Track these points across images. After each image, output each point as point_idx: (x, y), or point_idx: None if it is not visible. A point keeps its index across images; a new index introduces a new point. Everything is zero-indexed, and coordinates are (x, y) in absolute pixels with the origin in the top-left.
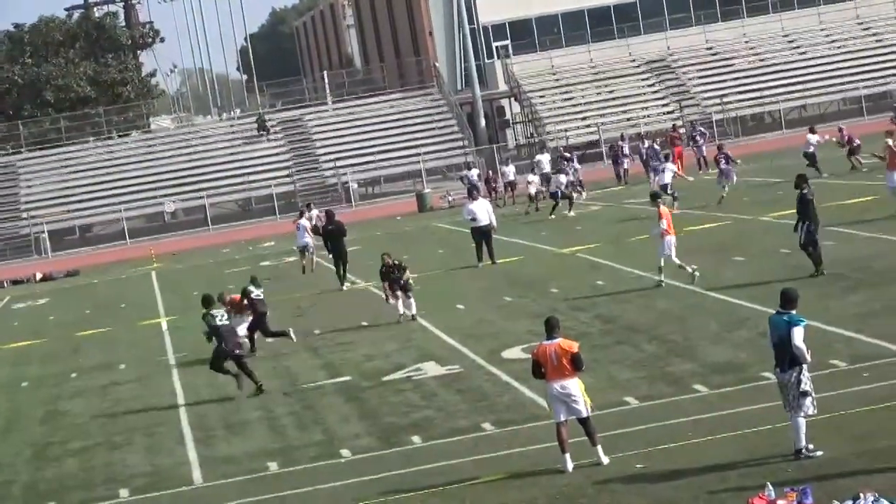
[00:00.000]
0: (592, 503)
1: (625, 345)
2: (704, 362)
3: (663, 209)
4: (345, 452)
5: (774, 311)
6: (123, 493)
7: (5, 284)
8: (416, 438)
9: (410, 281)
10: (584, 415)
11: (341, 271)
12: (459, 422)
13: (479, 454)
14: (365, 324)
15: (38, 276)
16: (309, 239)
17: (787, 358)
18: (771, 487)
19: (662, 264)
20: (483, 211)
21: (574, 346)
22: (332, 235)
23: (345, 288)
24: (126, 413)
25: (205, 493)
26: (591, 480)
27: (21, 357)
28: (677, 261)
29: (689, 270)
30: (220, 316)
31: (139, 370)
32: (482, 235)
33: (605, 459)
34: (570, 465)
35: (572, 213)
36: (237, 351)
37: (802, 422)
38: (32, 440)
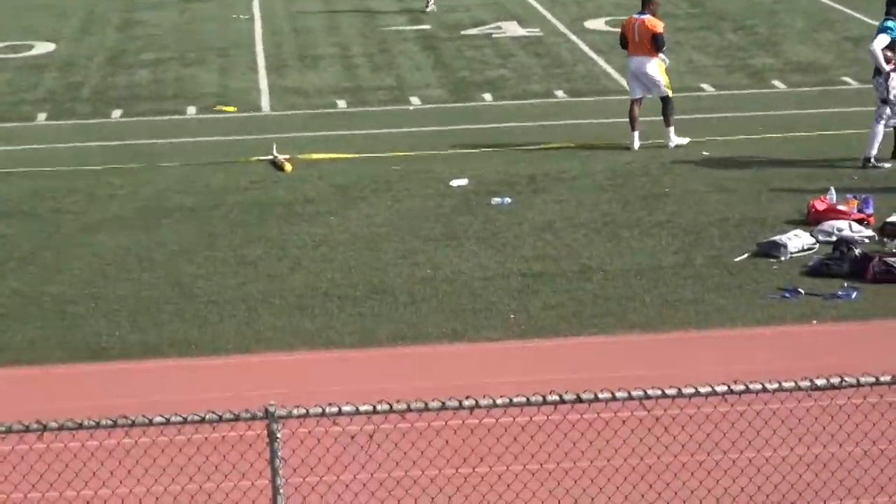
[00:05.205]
0: (653, 182)
1: (709, 31)
2: (787, 59)
3: None
4: (414, 100)
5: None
6: (191, 110)
7: None
8: (487, 96)
9: None
10: (660, 95)
11: None
12: (533, 86)
13: (548, 120)
14: None
15: None
16: None
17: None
18: (834, 192)
19: None
20: None
21: (658, 27)
22: None
23: None
24: (202, 31)
25: (272, 121)
26: (656, 161)
27: None
28: None
29: None
30: None
31: None
32: None
33: (673, 143)
34: (637, 144)
35: None
36: None
37: (880, 130)
38: (107, 45)
